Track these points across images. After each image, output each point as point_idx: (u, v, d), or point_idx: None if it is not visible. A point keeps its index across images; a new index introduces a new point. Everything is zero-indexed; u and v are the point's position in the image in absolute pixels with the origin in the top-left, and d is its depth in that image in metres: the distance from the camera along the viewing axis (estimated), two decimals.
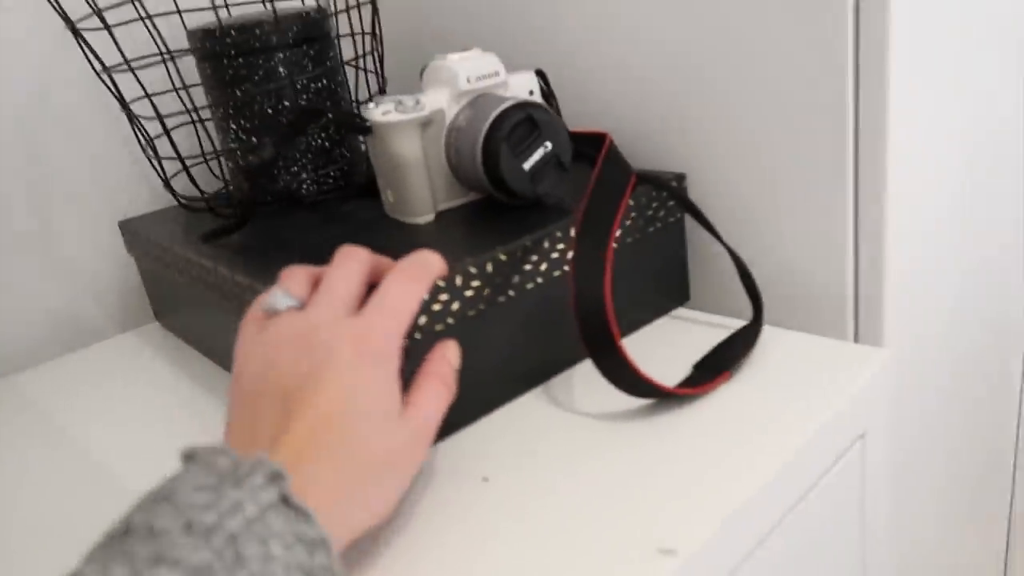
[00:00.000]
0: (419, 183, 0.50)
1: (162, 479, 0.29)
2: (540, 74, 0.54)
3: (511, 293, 0.45)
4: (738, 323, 0.51)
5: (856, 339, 0.51)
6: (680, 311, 0.56)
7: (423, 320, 0.41)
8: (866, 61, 0.44)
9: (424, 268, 0.38)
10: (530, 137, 0.47)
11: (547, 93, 0.54)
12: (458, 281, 0.42)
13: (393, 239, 0.49)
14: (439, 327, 0.42)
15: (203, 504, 0.26)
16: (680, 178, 0.54)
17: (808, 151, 0.48)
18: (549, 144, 0.48)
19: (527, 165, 0.48)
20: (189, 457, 0.29)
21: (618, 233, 0.49)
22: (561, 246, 0.47)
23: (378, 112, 0.49)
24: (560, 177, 0.49)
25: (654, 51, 0.53)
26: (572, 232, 0.47)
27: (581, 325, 0.41)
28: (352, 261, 0.38)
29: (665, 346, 0.51)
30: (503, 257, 0.44)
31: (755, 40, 0.48)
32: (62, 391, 0.59)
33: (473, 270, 0.43)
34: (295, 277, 0.38)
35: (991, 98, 0.56)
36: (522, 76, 0.53)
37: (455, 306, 0.42)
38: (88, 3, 0.52)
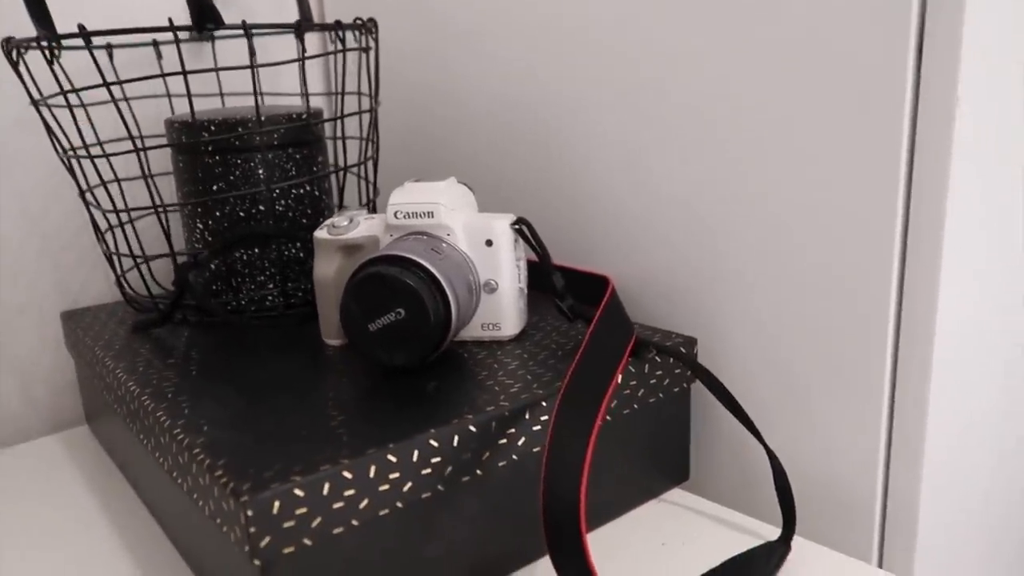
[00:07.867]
0: (328, 305, 0.48)
1: None
2: (523, 222, 0.46)
3: (478, 472, 0.37)
4: (741, 518, 0.44)
5: (880, 563, 0.43)
6: (676, 493, 0.48)
7: (363, 503, 0.34)
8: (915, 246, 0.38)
9: None
10: (381, 298, 0.41)
11: (533, 244, 0.46)
12: (415, 456, 0.35)
13: (303, 362, 0.46)
14: (384, 511, 0.34)
15: None
16: (691, 343, 0.47)
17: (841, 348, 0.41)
18: (401, 311, 0.40)
19: (373, 327, 0.41)
20: None
21: (613, 404, 0.42)
22: (545, 417, 0.40)
23: (321, 228, 0.48)
24: (423, 352, 0.41)
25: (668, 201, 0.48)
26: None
27: (546, 520, 0.33)
28: None
29: (655, 541, 0.43)
30: (473, 428, 0.37)
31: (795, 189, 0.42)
32: None
33: (434, 443, 0.35)
34: None
35: None
36: (488, 221, 0.45)
37: (407, 486, 0.35)
38: (57, 83, 0.47)
